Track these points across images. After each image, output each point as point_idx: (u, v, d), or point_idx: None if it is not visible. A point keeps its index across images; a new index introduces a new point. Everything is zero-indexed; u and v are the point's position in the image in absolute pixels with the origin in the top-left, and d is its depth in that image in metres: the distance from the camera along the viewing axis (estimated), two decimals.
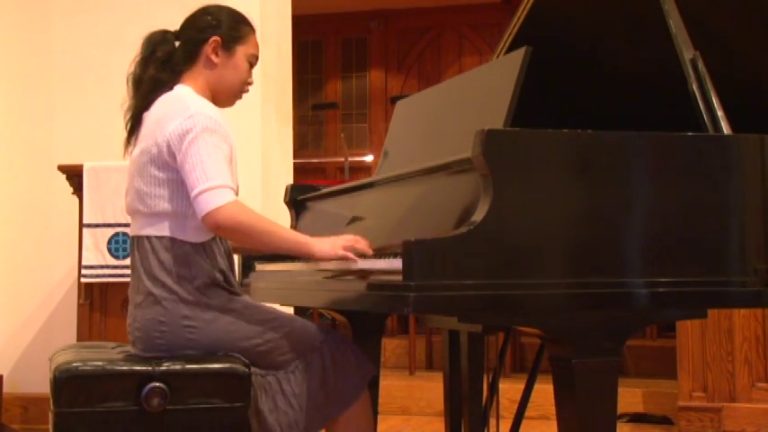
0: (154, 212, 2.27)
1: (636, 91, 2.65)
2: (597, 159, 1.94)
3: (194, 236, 2.27)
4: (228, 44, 2.38)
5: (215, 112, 2.30)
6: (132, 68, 2.40)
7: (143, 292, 2.26)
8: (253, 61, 2.44)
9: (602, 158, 1.94)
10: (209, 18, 2.40)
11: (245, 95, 2.49)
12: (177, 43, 2.40)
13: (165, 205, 2.26)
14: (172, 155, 2.24)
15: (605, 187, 1.93)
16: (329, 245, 2.19)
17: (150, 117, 2.32)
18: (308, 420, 2.29)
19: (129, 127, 2.39)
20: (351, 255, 2.15)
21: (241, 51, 2.40)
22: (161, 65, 2.37)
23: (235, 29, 2.40)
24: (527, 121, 2.14)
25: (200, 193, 2.18)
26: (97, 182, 3.89)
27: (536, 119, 2.21)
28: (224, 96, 2.41)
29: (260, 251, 2.66)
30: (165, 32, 2.41)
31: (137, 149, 2.34)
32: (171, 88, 2.35)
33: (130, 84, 2.39)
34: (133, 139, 2.38)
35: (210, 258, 2.28)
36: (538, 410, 4.34)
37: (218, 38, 2.37)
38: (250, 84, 2.46)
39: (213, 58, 2.37)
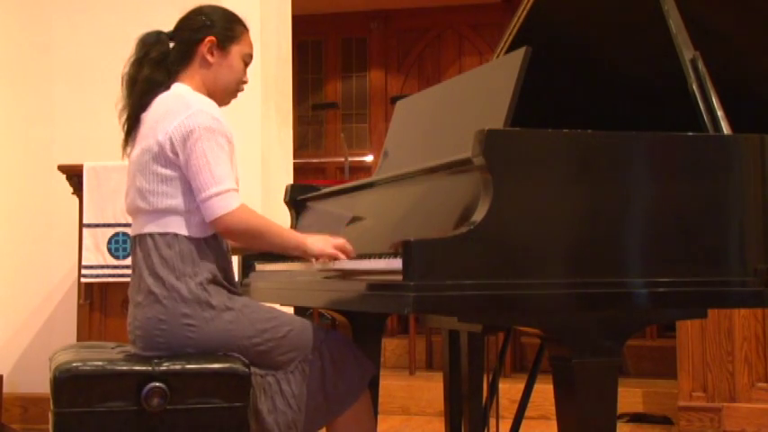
0: (157, 209, 2.28)
1: (636, 91, 2.64)
2: (597, 159, 1.94)
3: (197, 231, 2.28)
4: (224, 43, 2.40)
5: (215, 108, 2.32)
6: (126, 69, 2.41)
7: (144, 291, 2.27)
8: (247, 60, 2.46)
9: (602, 158, 1.94)
10: (203, 18, 2.41)
11: (243, 95, 2.51)
12: (171, 44, 2.41)
13: (168, 202, 2.27)
14: (174, 152, 2.25)
15: (605, 187, 1.93)
16: (322, 242, 2.28)
17: (150, 116, 2.33)
18: (306, 421, 2.29)
19: (126, 128, 2.40)
20: (340, 254, 2.24)
21: (236, 51, 2.42)
22: (155, 65, 2.38)
23: (229, 28, 2.42)
24: (527, 121, 2.14)
25: (209, 198, 2.21)
26: (97, 182, 3.89)
27: (536, 119, 2.21)
28: (220, 95, 2.42)
29: (258, 250, 2.67)
30: (158, 33, 2.42)
31: (137, 149, 2.34)
32: (168, 87, 2.36)
33: (125, 84, 2.40)
34: (131, 139, 2.39)
35: (212, 254, 2.29)
36: (538, 410, 4.34)
37: (213, 37, 2.38)
38: (245, 82, 2.48)
39: (209, 57, 2.38)
